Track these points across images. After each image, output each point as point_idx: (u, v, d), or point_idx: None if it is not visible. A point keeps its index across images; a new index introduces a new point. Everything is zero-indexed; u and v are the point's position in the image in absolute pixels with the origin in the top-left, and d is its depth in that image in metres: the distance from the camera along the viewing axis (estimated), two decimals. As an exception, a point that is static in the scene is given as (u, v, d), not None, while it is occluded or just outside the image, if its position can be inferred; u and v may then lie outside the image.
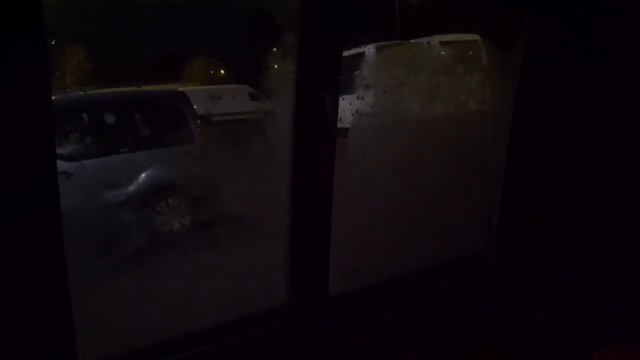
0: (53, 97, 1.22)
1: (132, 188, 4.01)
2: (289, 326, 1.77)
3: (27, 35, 1.12)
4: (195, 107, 4.61)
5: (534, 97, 2.15)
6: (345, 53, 1.72)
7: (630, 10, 2.15)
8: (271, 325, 1.75)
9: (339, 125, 1.78)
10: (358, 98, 2.33)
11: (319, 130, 1.70)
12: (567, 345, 2.05)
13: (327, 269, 1.83)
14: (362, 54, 3.81)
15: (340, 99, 1.77)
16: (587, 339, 1.75)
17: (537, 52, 2.12)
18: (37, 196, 1.21)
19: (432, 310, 2.06)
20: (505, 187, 2.25)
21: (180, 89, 5.00)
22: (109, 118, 4.58)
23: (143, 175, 4.07)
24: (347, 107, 2.22)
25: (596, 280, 2.18)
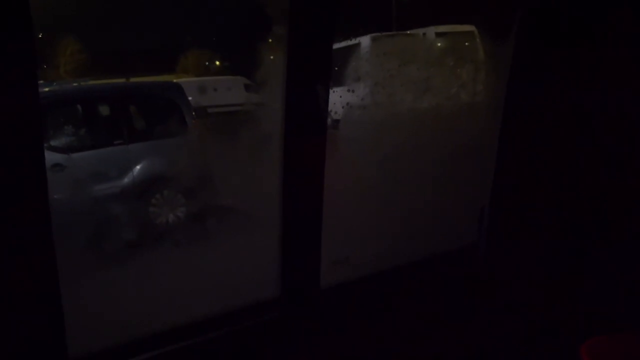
0: (48, 89, 1.21)
1: (126, 180, 4.01)
2: (280, 318, 1.78)
3: (12, 25, 1.11)
4: (190, 98, 4.60)
5: (526, 90, 2.14)
6: (342, 44, 1.72)
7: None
8: (263, 316, 1.76)
9: (334, 117, 1.78)
10: (349, 90, 2.32)
11: (309, 123, 1.70)
12: (556, 336, 2.07)
13: (319, 260, 1.84)
14: (357, 46, 3.80)
15: (332, 91, 1.77)
16: (574, 330, 1.76)
17: (529, 44, 2.11)
18: (25, 188, 1.21)
19: (424, 302, 2.08)
20: (497, 179, 2.25)
21: (174, 81, 4.97)
22: (104, 110, 4.57)
23: (137, 167, 4.07)
24: (339, 99, 2.21)
25: (585, 273, 2.20)
